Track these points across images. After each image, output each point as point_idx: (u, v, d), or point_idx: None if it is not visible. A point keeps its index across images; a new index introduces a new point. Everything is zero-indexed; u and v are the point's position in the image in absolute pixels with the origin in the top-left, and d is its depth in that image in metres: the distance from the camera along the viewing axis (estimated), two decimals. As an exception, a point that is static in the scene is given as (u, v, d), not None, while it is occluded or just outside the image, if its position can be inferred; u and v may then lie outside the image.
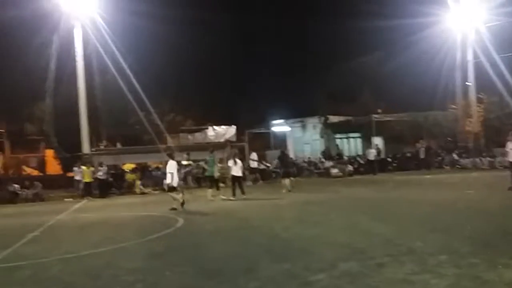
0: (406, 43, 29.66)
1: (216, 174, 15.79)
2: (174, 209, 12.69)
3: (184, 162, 19.37)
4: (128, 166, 25.55)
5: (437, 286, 4.44)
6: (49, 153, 30.96)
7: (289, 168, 18.27)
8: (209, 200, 15.10)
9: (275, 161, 21.14)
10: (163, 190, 21.47)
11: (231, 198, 14.91)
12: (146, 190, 21.81)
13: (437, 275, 4.76)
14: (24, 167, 32.71)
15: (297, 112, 35.06)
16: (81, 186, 21.41)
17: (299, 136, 34.40)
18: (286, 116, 34.43)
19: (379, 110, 32.31)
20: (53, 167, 30.91)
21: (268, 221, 9.71)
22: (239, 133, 28.66)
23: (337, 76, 35.41)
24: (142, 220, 11.48)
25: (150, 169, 26.44)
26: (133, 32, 26.19)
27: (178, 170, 13.75)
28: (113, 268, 6.11)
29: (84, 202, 19.05)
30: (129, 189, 22.27)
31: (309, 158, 29.24)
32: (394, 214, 9.56)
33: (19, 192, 21.36)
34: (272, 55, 46.65)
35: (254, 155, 22.55)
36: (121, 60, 24.80)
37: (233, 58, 44.52)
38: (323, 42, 44.57)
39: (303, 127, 34.00)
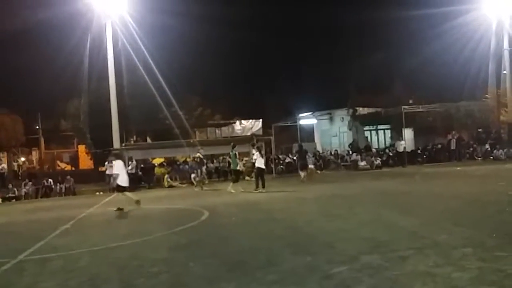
0: (438, 32, 28.90)
1: (239, 168, 16.72)
2: (121, 209, 12.24)
3: (200, 156, 19.68)
4: (157, 160, 26.07)
5: (459, 279, 4.35)
6: (82, 149, 31.94)
7: (305, 160, 19.08)
8: (239, 192, 15.48)
9: (296, 155, 21.43)
10: (191, 183, 21.94)
11: (257, 190, 15.08)
12: (174, 184, 22.24)
13: (460, 268, 4.67)
14: (58, 162, 33.88)
15: (324, 104, 34.77)
16: (112, 180, 21.95)
17: (326, 129, 34.12)
18: (313, 109, 34.18)
19: (411, 101, 31.59)
20: (85, 162, 31.89)
21: (292, 214, 9.70)
22: (265, 126, 28.67)
23: (367, 68, 34.84)
24: (169, 213, 11.69)
25: (178, 163, 26.87)
26: (162, 29, 26.62)
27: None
28: (139, 259, 6.26)
29: (114, 196, 19.50)
30: (157, 183, 22.75)
31: (335, 150, 28.96)
32: (420, 207, 9.37)
33: (53, 187, 22.19)
34: (299, 48, 46.47)
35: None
36: (150, 57, 25.28)
37: (260, 52, 44.56)
38: (351, 34, 43.92)
39: (331, 119, 33.68)
